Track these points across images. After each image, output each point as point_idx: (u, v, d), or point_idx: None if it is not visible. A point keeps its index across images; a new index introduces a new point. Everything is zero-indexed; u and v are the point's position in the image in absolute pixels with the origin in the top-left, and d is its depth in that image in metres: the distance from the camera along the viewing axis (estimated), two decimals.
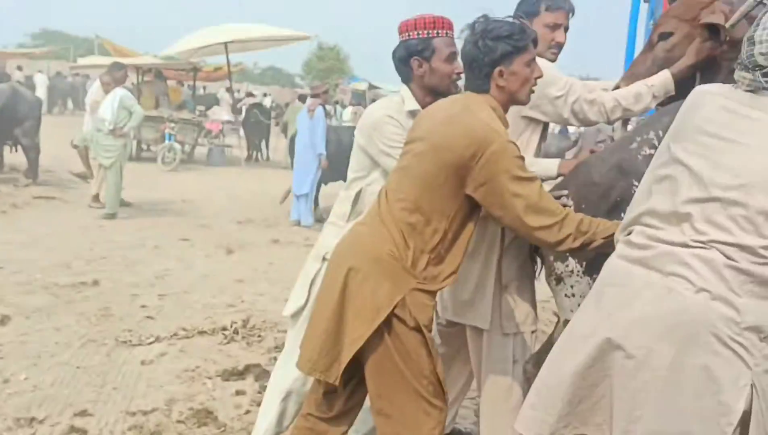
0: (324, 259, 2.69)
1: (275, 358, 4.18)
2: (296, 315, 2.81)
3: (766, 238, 1.50)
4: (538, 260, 2.79)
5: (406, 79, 2.68)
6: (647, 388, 1.55)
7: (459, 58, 2.59)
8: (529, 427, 1.81)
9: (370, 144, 2.64)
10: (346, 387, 2.34)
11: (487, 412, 2.97)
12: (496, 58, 2.21)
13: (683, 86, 2.73)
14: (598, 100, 2.74)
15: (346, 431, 2.45)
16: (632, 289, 1.62)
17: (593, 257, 2.40)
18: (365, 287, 2.15)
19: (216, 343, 4.44)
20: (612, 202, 2.40)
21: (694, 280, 1.52)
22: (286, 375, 2.80)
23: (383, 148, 2.60)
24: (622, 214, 2.33)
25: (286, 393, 2.81)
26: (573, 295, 2.48)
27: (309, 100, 8.88)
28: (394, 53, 2.69)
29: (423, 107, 2.63)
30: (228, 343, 4.46)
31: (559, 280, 2.53)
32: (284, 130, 14.97)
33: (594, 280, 2.41)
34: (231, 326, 4.66)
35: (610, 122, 2.91)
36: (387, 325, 2.14)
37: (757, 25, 1.63)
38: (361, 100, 26.17)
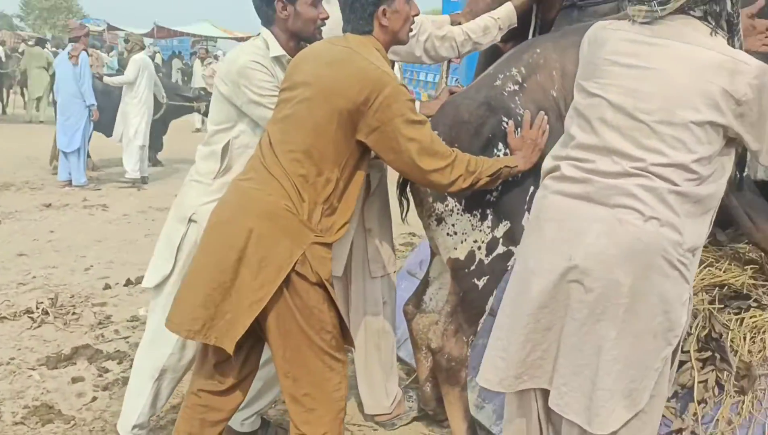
0: (191, 220, 2.49)
1: (103, 335, 3.83)
2: (161, 285, 2.56)
3: (695, 152, 1.66)
4: (405, 203, 2.81)
5: (268, 21, 2.50)
6: (608, 319, 1.67)
7: (323, 3, 2.50)
8: (487, 378, 1.87)
9: (237, 93, 2.43)
10: (238, 354, 2.20)
11: (362, 359, 3.01)
12: None
13: (522, 18, 2.92)
14: (448, 36, 2.80)
15: (242, 401, 2.33)
16: (580, 224, 1.72)
17: (470, 194, 2.48)
18: (262, 246, 2.04)
19: (24, 329, 3.89)
20: (485, 139, 2.48)
21: (642, 210, 1.65)
22: (158, 352, 2.57)
23: (253, 97, 2.41)
24: (496, 151, 2.47)
25: (159, 371, 2.58)
26: (455, 233, 2.55)
27: (69, 46, 7.92)
28: None
29: (288, 53, 2.49)
30: (39, 326, 3.93)
31: (440, 220, 2.58)
32: (24, 81, 13.20)
33: (474, 216, 2.53)
34: (37, 307, 4.10)
35: (460, 56, 2.99)
36: (287, 283, 2.05)
37: None
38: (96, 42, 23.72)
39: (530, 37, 3.04)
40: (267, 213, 2.07)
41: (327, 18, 2.51)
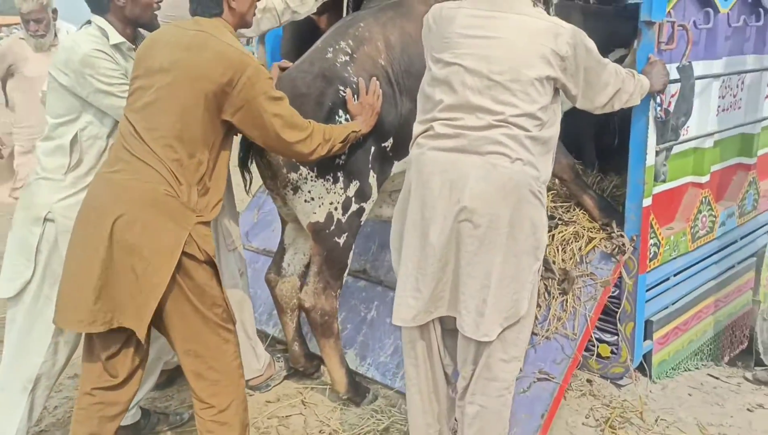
0: (46, 219, 2.40)
1: None
2: (21, 292, 2.44)
3: (538, 102, 2.02)
4: (248, 177, 2.91)
5: (101, 9, 2.44)
6: (494, 246, 2.00)
7: None
8: (403, 317, 2.13)
9: (81, 83, 2.36)
10: (127, 345, 2.23)
11: None
12: None
13: None
14: (269, 6, 2.94)
15: (137, 390, 2.35)
16: (461, 172, 2.00)
17: (320, 161, 2.68)
18: (149, 233, 2.08)
19: None
20: (327, 109, 2.68)
21: (509, 154, 1.98)
22: (27, 362, 2.46)
23: (101, 86, 2.36)
24: (337, 118, 2.69)
25: (33, 382, 2.47)
26: (312, 199, 2.74)
27: None
28: None
29: (126, 39, 2.47)
30: None
31: (296, 188, 2.74)
32: None
33: (327, 180, 2.74)
34: None
35: (280, 25, 3.12)
36: (177, 266, 2.12)
37: None
38: None
39: (344, 9, 3.27)
40: (149, 200, 2.10)
41: (161, 2, 2.52)
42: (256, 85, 2.20)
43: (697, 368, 3.42)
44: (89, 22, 2.48)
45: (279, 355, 3.24)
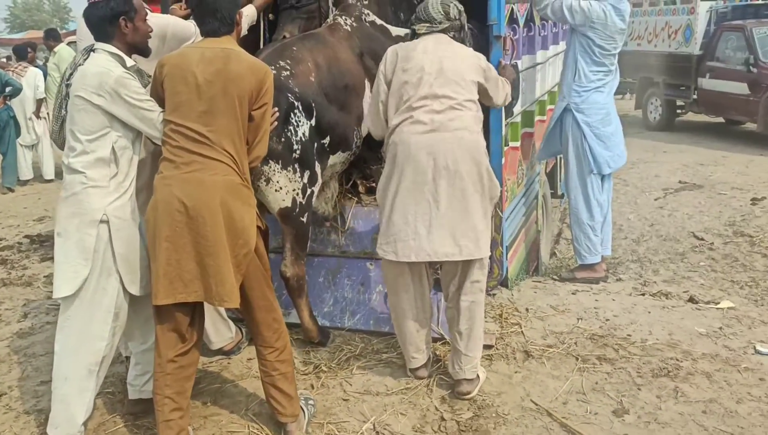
0: (101, 221, 2.79)
1: None
2: (79, 290, 2.81)
3: (474, 94, 3.09)
4: None
5: (108, 37, 2.87)
6: (469, 192, 2.96)
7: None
8: (407, 255, 3.04)
9: (116, 102, 2.76)
10: (194, 313, 2.84)
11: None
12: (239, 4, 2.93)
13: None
14: None
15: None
16: (440, 145, 2.96)
17: (282, 155, 3.40)
18: (236, 214, 2.71)
19: None
20: (284, 113, 3.36)
21: (467, 127, 2.99)
22: (92, 348, 2.85)
23: (136, 103, 2.79)
24: (292, 118, 3.40)
25: (99, 364, 2.87)
26: (281, 188, 3.44)
27: None
28: (92, 13, 2.86)
29: None
30: None
31: (268, 180, 3.41)
32: None
33: (288, 171, 3.45)
34: None
35: None
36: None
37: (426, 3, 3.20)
38: None
39: (262, 32, 3.99)
40: (229, 189, 2.72)
41: (152, 31, 3.04)
42: (270, 92, 2.87)
43: (523, 280, 4.81)
44: (93, 49, 2.88)
45: (240, 326, 3.88)
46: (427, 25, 3.20)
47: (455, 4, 3.29)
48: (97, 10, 2.86)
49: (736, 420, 3.03)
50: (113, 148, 2.83)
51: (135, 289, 2.89)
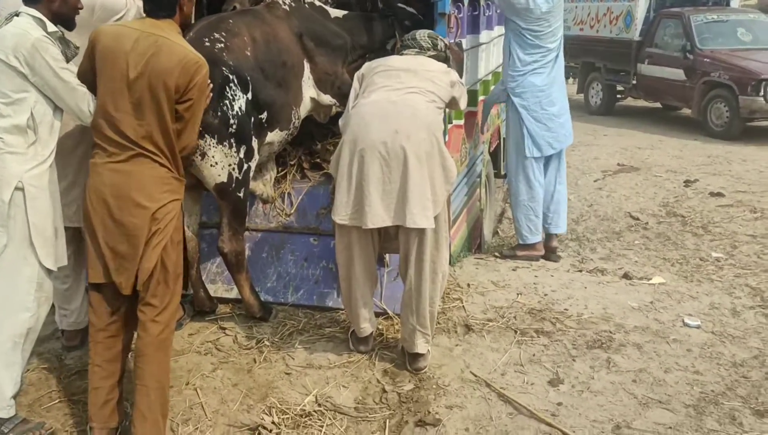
0: (17, 188, 2.72)
1: None
2: None
3: (427, 87, 3.17)
4: None
5: (33, 2, 2.80)
6: (428, 158, 3.02)
7: None
8: (374, 222, 3.05)
9: (32, 66, 2.69)
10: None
11: None
12: None
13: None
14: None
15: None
16: (397, 116, 3.03)
17: (218, 130, 3.38)
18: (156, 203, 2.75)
19: None
20: (218, 86, 3.32)
21: (416, 102, 3.08)
22: (14, 320, 2.77)
23: (55, 67, 2.72)
24: (227, 92, 3.38)
25: (24, 336, 2.80)
26: (216, 163, 3.40)
27: None
28: None
29: None
30: None
31: (203, 154, 3.37)
32: None
33: (224, 145, 3.43)
34: None
35: None
36: None
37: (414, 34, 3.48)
38: None
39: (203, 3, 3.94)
40: (156, 179, 2.76)
41: (82, 8, 2.96)
42: (202, 85, 2.82)
43: (465, 257, 4.89)
44: (18, 13, 2.78)
45: (184, 303, 3.84)
46: (416, 50, 3.41)
47: (441, 39, 3.52)
48: None
49: (664, 388, 3.17)
50: (32, 113, 2.75)
51: (50, 263, 2.83)
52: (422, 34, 3.47)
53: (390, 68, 3.25)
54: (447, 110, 4.08)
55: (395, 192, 3.04)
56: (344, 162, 3.13)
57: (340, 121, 3.38)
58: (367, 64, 3.42)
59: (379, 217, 3.04)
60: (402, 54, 3.44)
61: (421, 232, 3.11)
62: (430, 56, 3.40)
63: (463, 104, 3.55)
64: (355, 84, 3.39)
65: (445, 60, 3.46)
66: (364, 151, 3.05)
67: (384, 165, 3.03)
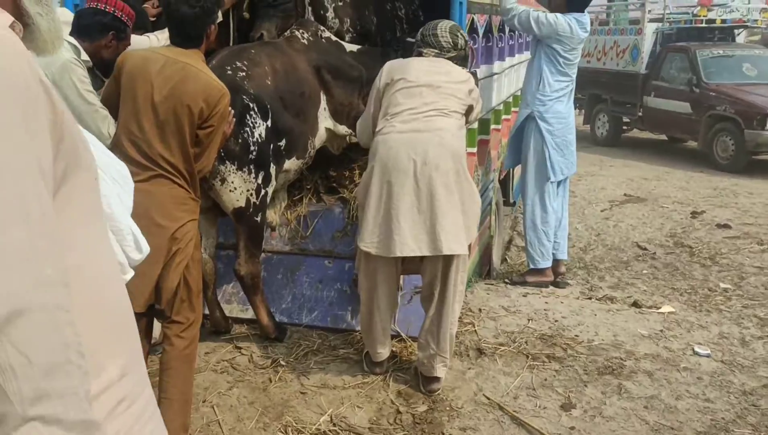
0: None
1: None
2: None
3: (448, 105, 3.19)
4: None
5: (83, 36, 2.93)
6: (455, 188, 3.06)
7: None
8: (413, 248, 3.09)
9: (62, 84, 2.77)
10: None
11: None
12: (215, 17, 2.95)
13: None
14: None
15: None
16: (423, 144, 3.06)
17: (239, 156, 3.47)
18: (175, 223, 2.83)
19: None
20: (239, 114, 3.45)
21: (444, 128, 3.12)
22: None
23: (81, 90, 2.84)
24: (247, 120, 3.50)
25: None
26: (236, 188, 3.48)
27: None
28: (93, 14, 2.95)
29: None
30: None
31: (223, 180, 3.46)
32: None
33: (243, 171, 3.52)
34: None
35: None
36: None
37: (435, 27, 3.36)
38: None
39: (231, 29, 4.05)
40: (174, 199, 2.83)
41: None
42: (224, 112, 2.91)
43: (476, 282, 4.94)
44: None
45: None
46: (436, 51, 3.36)
47: (462, 34, 3.45)
48: (99, 15, 2.94)
49: (675, 415, 3.20)
50: None
51: None
52: (443, 30, 3.39)
53: (411, 84, 3.23)
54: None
55: (425, 222, 3.10)
56: (373, 190, 3.18)
57: (358, 128, 3.49)
58: (389, 66, 3.37)
59: (407, 246, 3.09)
60: (421, 53, 3.39)
61: (450, 258, 3.17)
62: (449, 57, 3.36)
63: (477, 111, 3.55)
64: (373, 91, 3.40)
65: (464, 59, 3.45)
66: (394, 181, 3.11)
67: (413, 195, 3.10)
